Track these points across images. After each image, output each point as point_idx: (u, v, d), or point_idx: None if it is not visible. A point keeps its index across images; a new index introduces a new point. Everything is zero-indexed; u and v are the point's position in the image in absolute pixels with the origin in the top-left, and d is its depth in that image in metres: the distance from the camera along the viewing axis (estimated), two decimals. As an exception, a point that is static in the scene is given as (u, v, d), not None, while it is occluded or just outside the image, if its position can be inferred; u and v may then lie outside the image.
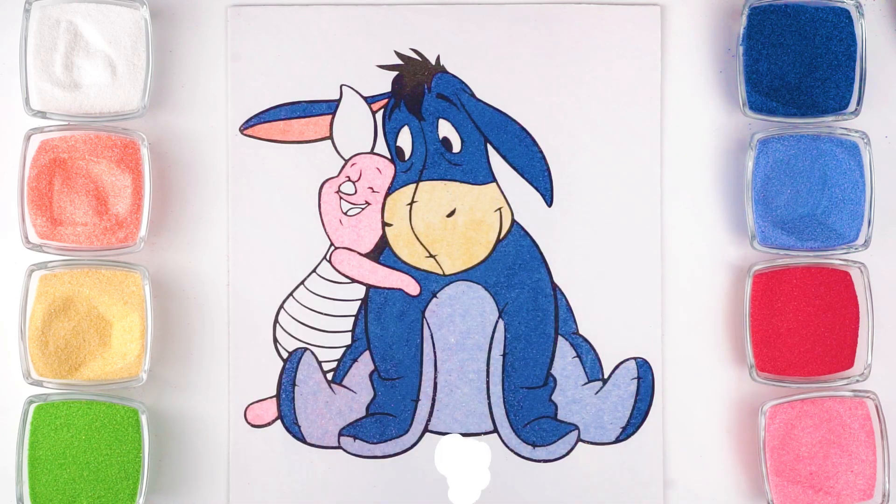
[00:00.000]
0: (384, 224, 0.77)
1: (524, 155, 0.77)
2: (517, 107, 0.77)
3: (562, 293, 0.77)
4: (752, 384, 0.77)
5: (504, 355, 0.77)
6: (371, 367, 0.77)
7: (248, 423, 0.77)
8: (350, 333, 0.77)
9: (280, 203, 0.77)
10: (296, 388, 0.77)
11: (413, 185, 0.77)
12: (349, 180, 0.77)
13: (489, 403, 0.77)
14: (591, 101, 0.78)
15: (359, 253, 0.77)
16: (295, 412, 0.76)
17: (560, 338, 0.77)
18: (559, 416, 0.77)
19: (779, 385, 0.76)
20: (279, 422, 0.77)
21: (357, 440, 0.77)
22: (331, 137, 0.77)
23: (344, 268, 0.77)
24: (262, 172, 0.77)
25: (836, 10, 0.76)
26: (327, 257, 0.77)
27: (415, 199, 0.77)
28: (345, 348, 0.77)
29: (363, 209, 0.77)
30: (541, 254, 0.77)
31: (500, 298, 0.77)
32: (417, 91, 0.77)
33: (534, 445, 0.77)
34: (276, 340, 0.77)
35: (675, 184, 0.78)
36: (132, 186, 0.75)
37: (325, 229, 0.77)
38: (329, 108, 0.77)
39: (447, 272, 0.77)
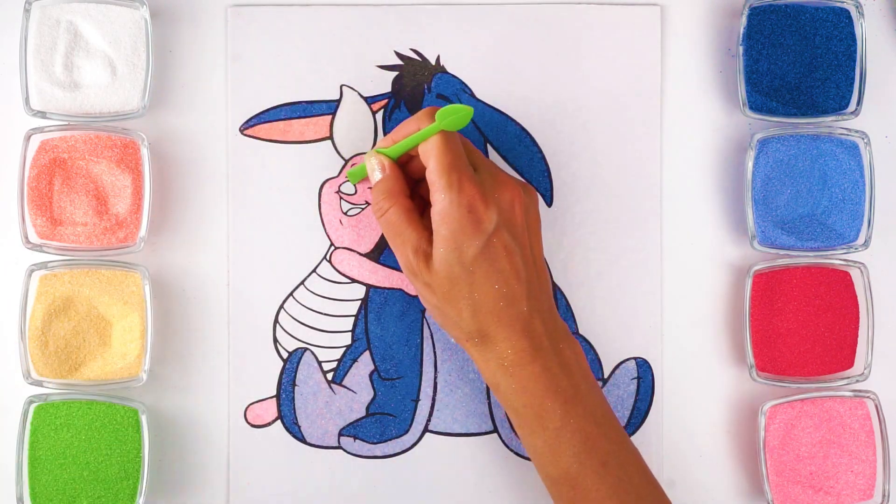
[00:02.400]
0: (384, 224, 0.77)
1: (524, 155, 0.77)
2: (517, 107, 0.77)
3: (562, 293, 0.77)
4: (752, 384, 0.77)
5: (504, 355, 0.77)
6: (371, 367, 0.77)
7: (248, 423, 0.77)
8: (350, 333, 0.77)
9: (280, 203, 0.77)
10: (296, 388, 0.77)
11: (413, 185, 0.77)
12: (349, 180, 0.77)
13: (489, 403, 0.77)
14: (591, 101, 0.78)
15: (359, 253, 0.77)
16: (295, 412, 0.76)
17: (560, 338, 0.77)
18: (559, 416, 0.77)
19: (779, 385, 0.76)
20: (279, 422, 0.77)
21: (357, 440, 0.77)
22: (331, 137, 0.77)
23: (344, 268, 0.77)
24: (262, 172, 0.77)
25: (836, 10, 0.76)
26: (327, 257, 0.77)
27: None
28: (345, 348, 0.77)
29: (363, 209, 0.77)
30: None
31: (500, 298, 0.77)
32: (417, 91, 0.77)
33: (534, 445, 0.77)
34: (276, 340, 0.77)
35: (675, 184, 0.78)
36: (132, 186, 0.75)
37: (325, 229, 0.77)
38: (329, 108, 0.77)
39: (447, 272, 0.77)
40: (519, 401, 0.68)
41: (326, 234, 0.77)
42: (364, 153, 0.77)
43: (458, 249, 0.67)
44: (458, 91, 0.77)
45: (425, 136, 0.69)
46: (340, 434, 0.77)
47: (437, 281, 0.68)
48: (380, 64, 0.77)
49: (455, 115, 0.68)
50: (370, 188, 0.77)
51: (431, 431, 0.77)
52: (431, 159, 0.68)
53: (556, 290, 0.77)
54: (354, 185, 0.76)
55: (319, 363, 0.77)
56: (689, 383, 0.78)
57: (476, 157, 0.71)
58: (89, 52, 0.75)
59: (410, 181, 0.73)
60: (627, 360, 0.78)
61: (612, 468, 0.67)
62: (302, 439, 0.77)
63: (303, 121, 0.77)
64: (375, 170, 0.71)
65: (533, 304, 0.69)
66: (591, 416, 0.68)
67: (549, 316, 0.70)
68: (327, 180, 0.77)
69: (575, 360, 0.69)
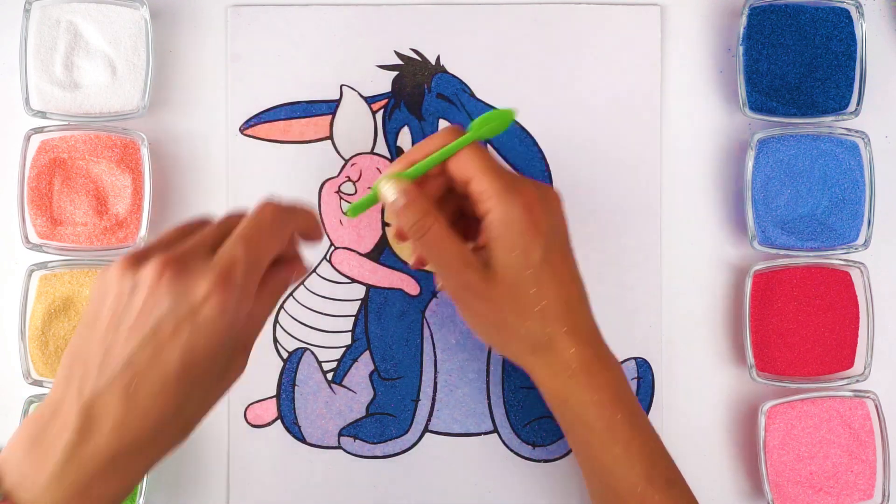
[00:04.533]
0: (384, 224, 0.77)
1: (524, 155, 0.77)
2: (517, 107, 0.77)
3: (562, 293, 0.77)
4: (752, 384, 0.77)
5: (504, 355, 0.77)
6: (371, 367, 0.77)
7: (248, 423, 0.77)
8: (350, 333, 0.77)
9: (280, 203, 0.77)
10: (296, 388, 0.77)
11: (413, 185, 0.77)
12: (349, 180, 0.77)
13: (489, 403, 0.77)
14: (591, 101, 0.78)
15: (359, 253, 0.77)
16: (295, 412, 0.76)
17: (560, 338, 0.77)
18: (559, 416, 0.77)
19: (779, 385, 0.76)
20: (279, 422, 0.77)
21: (357, 440, 0.77)
22: (331, 137, 0.77)
23: (344, 268, 0.77)
24: (262, 172, 0.77)
25: (836, 10, 0.76)
26: (327, 257, 0.77)
27: (415, 199, 0.77)
28: (345, 348, 0.77)
29: (363, 209, 0.77)
30: (541, 254, 0.77)
31: (500, 298, 0.77)
32: (417, 91, 0.77)
33: (534, 445, 0.77)
34: (276, 340, 0.77)
35: (675, 184, 0.78)
36: (132, 186, 0.75)
37: (325, 229, 0.77)
38: (329, 108, 0.77)
39: (447, 272, 0.77)
40: (591, 413, 0.65)
41: (326, 234, 0.77)
42: (364, 153, 0.77)
43: (525, 254, 0.64)
44: (457, 91, 0.77)
45: (456, 147, 0.66)
46: (340, 434, 0.77)
47: (500, 292, 0.65)
48: (380, 64, 0.77)
49: (494, 121, 0.66)
50: (370, 188, 0.77)
51: (431, 431, 0.77)
52: (475, 169, 0.65)
53: (556, 290, 0.77)
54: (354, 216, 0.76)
55: (319, 363, 0.77)
56: (689, 383, 0.78)
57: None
58: (89, 52, 0.75)
59: None
60: (627, 360, 0.78)
61: (677, 486, 0.66)
62: (302, 439, 0.77)
63: (303, 121, 0.77)
64: (397, 195, 0.65)
65: (589, 311, 0.67)
66: (652, 431, 0.67)
67: (596, 325, 0.68)
68: (327, 180, 0.77)
69: (623, 371, 0.68)
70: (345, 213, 0.75)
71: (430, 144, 0.66)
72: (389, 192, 0.66)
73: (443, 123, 0.77)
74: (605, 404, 0.65)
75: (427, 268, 0.77)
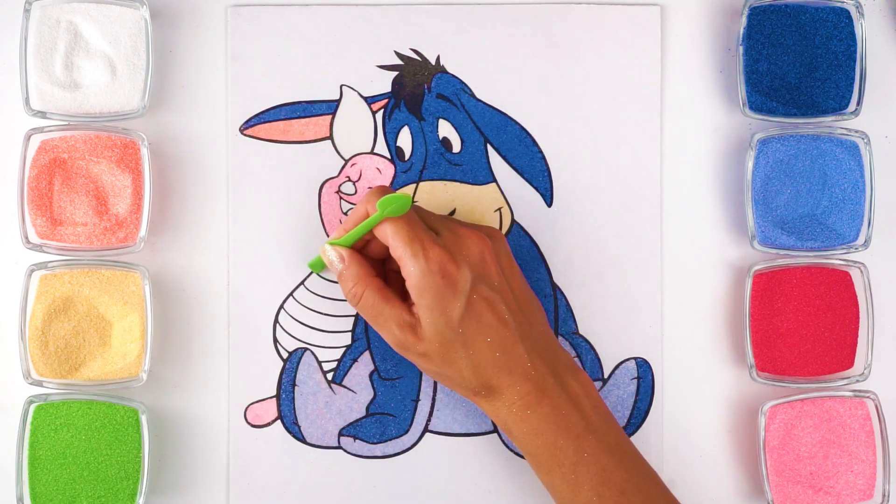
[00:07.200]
0: (384, 224, 0.77)
1: (524, 155, 0.77)
2: (517, 107, 0.77)
3: (561, 293, 0.77)
4: (752, 384, 0.77)
5: (504, 355, 0.77)
6: (371, 367, 0.77)
7: (248, 423, 0.77)
8: (350, 333, 0.77)
9: (280, 203, 0.77)
10: (296, 388, 0.77)
11: (413, 186, 0.77)
12: (349, 180, 0.77)
13: (489, 403, 0.77)
14: (591, 101, 0.78)
15: (359, 253, 0.77)
16: (295, 412, 0.76)
17: (560, 338, 0.77)
18: (559, 416, 0.77)
19: (779, 385, 0.76)
20: (279, 422, 0.77)
21: (357, 440, 0.77)
22: (331, 137, 0.77)
23: (344, 268, 0.77)
24: (262, 172, 0.77)
25: (836, 10, 0.76)
26: (327, 257, 0.77)
27: (415, 200, 0.77)
28: (345, 348, 0.77)
29: (363, 209, 0.77)
30: (540, 254, 0.77)
31: (500, 298, 0.77)
32: (417, 91, 0.77)
33: (534, 445, 0.77)
34: (276, 340, 0.77)
35: (675, 184, 0.78)
36: (132, 186, 0.75)
37: (325, 229, 0.77)
38: (329, 108, 0.77)
39: (447, 272, 0.77)
40: (532, 443, 0.68)
41: (326, 234, 0.77)
42: (364, 153, 0.77)
43: (443, 315, 0.68)
44: (457, 91, 0.77)
45: (372, 223, 0.69)
46: (340, 434, 0.77)
47: (431, 348, 0.68)
48: (380, 64, 0.77)
49: (395, 203, 0.68)
50: (370, 188, 0.77)
51: (431, 431, 0.77)
52: (389, 237, 0.69)
53: (556, 290, 0.77)
54: (319, 274, 0.76)
55: (319, 363, 0.77)
56: (689, 383, 0.78)
57: (433, 220, 0.71)
58: (89, 52, 0.75)
59: (377, 262, 0.73)
60: (627, 360, 0.78)
61: (632, 496, 0.67)
62: (302, 439, 0.77)
63: (303, 121, 0.77)
64: (335, 262, 0.71)
65: (529, 346, 0.69)
66: (605, 447, 0.68)
67: (549, 352, 0.70)
68: (327, 180, 0.77)
69: (582, 391, 0.69)
70: (309, 267, 0.76)
71: (356, 213, 0.71)
72: (327, 261, 0.72)
73: (443, 123, 0.77)
74: (546, 433, 0.68)
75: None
